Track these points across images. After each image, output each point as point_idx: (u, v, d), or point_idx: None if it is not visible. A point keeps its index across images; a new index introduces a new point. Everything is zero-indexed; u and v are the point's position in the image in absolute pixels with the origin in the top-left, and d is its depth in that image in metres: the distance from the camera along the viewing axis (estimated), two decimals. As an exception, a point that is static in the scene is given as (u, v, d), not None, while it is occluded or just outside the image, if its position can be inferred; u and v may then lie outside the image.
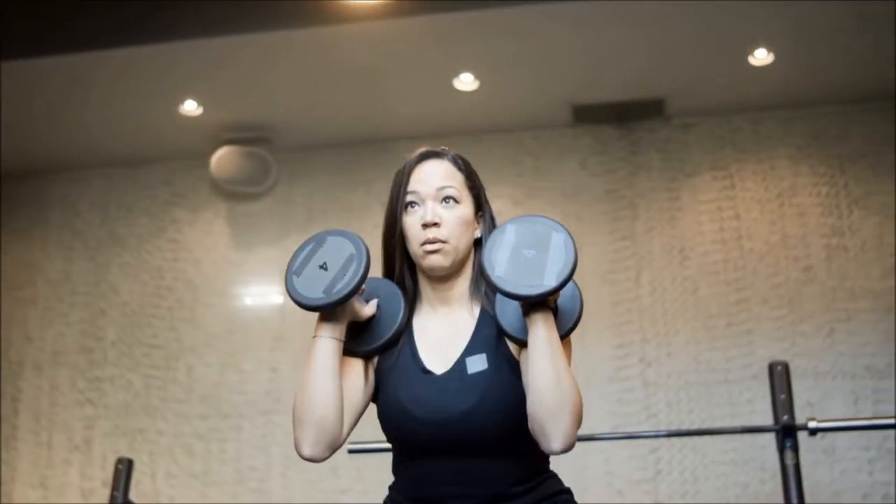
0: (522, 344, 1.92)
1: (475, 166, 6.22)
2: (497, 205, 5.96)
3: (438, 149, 2.14)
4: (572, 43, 5.04)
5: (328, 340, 1.94)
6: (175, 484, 5.58)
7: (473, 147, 5.93)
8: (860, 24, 4.97)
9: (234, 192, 5.97)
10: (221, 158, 5.72)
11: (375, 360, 2.05)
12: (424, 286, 2.08)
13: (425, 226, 2.00)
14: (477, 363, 1.95)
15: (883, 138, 5.72)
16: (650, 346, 5.49)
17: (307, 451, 1.92)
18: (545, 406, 1.79)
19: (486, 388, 1.92)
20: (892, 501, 5.09)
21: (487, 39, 4.99)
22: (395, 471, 2.08)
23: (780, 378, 3.57)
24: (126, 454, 4.73)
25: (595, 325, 5.48)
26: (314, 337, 1.95)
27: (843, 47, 5.18)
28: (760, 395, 5.21)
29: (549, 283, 1.81)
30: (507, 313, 1.96)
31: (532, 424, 1.83)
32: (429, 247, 2.00)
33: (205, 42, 4.90)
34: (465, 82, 5.33)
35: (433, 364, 1.98)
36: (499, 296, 1.96)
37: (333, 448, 1.93)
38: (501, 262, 1.85)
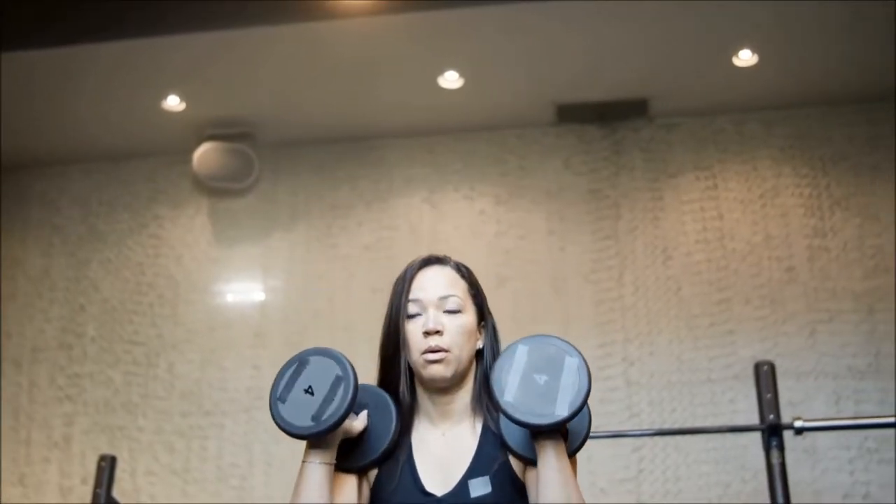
0: (530, 463, 1.87)
1: (459, 165, 6.22)
2: (480, 203, 6.00)
3: (441, 256, 2.10)
4: (557, 42, 5.04)
5: (318, 466, 1.86)
6: (155, 481, 5.55)
7: (457, 145, 5.94)
8: (845, 27, 4.99)
9: (216, 189, 5.94)
10: (204, 154, 5.69)
11: (371, 473, 1.98)
12: (423, 399, 2.00)
13: (427, 333, 1.94)
14: (479, 486, 1.88)
15: (865, 140, 5.75)
16: (633, 346, 5.49)
17: None
18: None
19: None
20: (872, 501, 5.12)
21: (472, 37, 4.99)
22: None
23: (766, 378, 3.59)
24: (106, 451, 4.70)
25: (578, 324, 5.49)
26: (303, 462, 1.88)
27: (826, 49, 5.21)
28: (742, 395, 5.23)
29: (561, 412, 1.75)
30: (513, 430, 1.90)
31: None
32: (430, 356, 1.93)
33: (189, 37, 4.88)
34: (450, 80, 5.31)
35: (433, 486, 1.91)
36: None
37: None
38: (511, 387, 1.78)
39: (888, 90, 5.62)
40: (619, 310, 5.55)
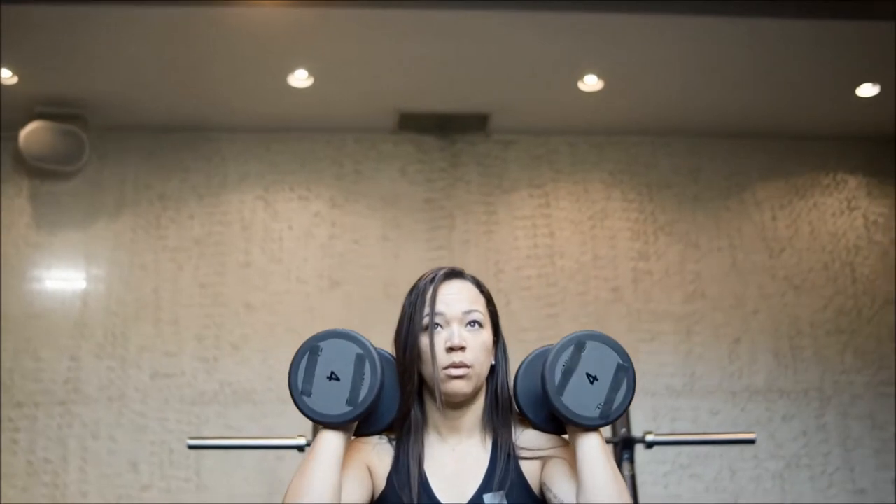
0: (548, 430, 1.97)
1: (296, 164, 6.16)
2: (315, 205, 5.97)
3: (458, 269, 2.06)
4: (406, 49, 5.05)
5: (336, 433, 1.84)
6: (-43, 474, 5.25)
7: (296, 145, 5.89)
8: (686, 65, 5.23)
9: (39, 170, 5.66)
10: (32, 133, 5.40)
11: (380, 472, 1.96)
12: (433, 413, 2.00)
13: (451, 349, 1.93)
14: (495, 501, 1.90)
15: (688, 171, 6.04)
16: (462, 356, 5.54)
17: None
18: (605, 499, 1.76)
19: None
20: (680, 514, 5.38)
21: (326, 37, 4.94)
22: None
23: (620, 393, 3.72)
24: None
25: (408, 331, 5.50)
26: (323, 429, 1.85)
27: (667, 83, 5.44)
28: (565, 409, 5.37)
29: (605, 415, 1.84)
30: (537, 412, 2.00)
31: None
32: (454, 371, 1.92)
33: (28, 8, 4.62)
34: (300, 79, 5.25)
35: (447, 500, 1.91)
36: (523, 393, 2.00)
37: None
38: (563, 382, 1.84)
39: (712, 125, 5.94)
40: (450, 320, 5.59)
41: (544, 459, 1.94)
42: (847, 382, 5.74)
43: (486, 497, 1.89)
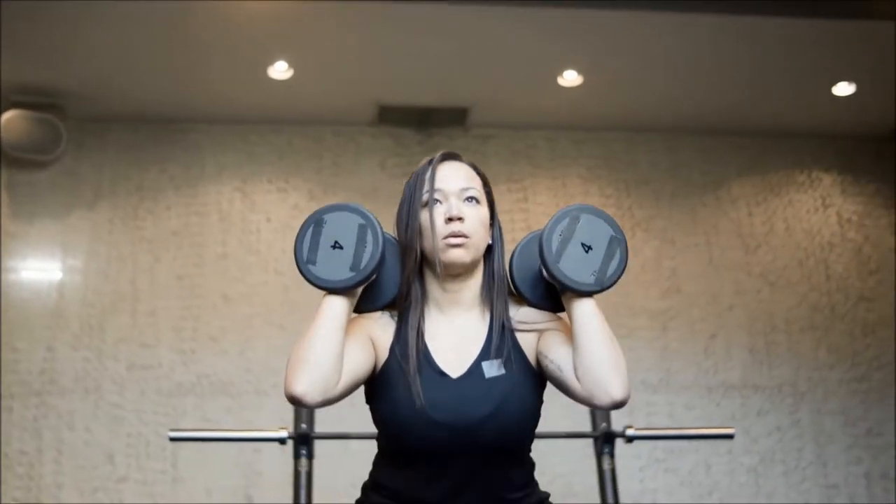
0: (543, 307, 2.04)
1: (274, 156, 6.11)
2: (294, 197, 5.93)
3: (455, 152, 2.13)
4: (387, 43, 5.06)
5: (340, 298, 1.92)
6: (-69, 465, 5.22)
7: (274, 137, 5.89)
8: (664, 63, 5.25)
9: (16, 159, 5.62)
10: (9, 122, 5.38)
11: (383, 343, 2.02)
12: (433, 287, 2.06)
13: (449, 220, 1.99)
14: (493, 368, 1.96)
15: (666, 167, 6.06)
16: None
17: (300, 388, 1.81)
18: (603, 357, 1.86)
19: (506, 394, 1.93)
20: (654, 508, 5.41)
21: (307, 29, 4.93)
22: (380, 473, 2.05)
23: (598, 387, 3.76)
24: None
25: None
26: (327, 295, 1.92)
27: (644, 80, 5.46)
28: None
29: (599, 282, 1.92)
30: (532, 288, 2.06)
31: (586, 380, 1.86)
32: (452, 240, 1.99)
33: (6, -2, 4.62)
34: (280, 70, 5.24)
35: (448, 367, 1.97)
36: (519, 273, 2.06)
37: (325, 395, 1.84)
38: (559, 250, 1.92)
39: (690, 122, 5.97)
40: (427, 313, 5.60)
41: (540, 332, 2.02)
42: (820, 378, 5.80)
43: (485, 364, 1.97)
